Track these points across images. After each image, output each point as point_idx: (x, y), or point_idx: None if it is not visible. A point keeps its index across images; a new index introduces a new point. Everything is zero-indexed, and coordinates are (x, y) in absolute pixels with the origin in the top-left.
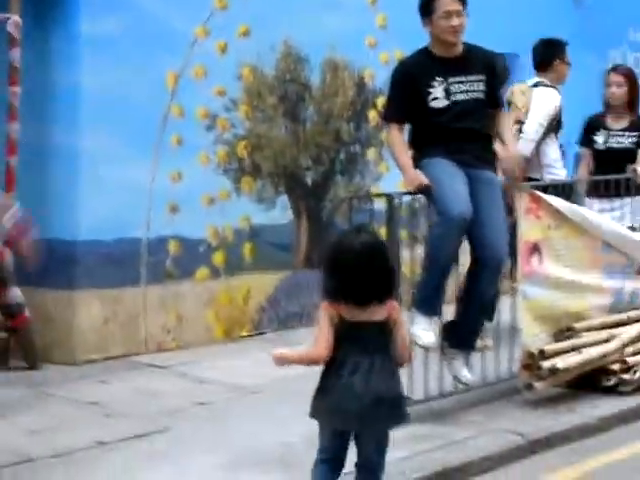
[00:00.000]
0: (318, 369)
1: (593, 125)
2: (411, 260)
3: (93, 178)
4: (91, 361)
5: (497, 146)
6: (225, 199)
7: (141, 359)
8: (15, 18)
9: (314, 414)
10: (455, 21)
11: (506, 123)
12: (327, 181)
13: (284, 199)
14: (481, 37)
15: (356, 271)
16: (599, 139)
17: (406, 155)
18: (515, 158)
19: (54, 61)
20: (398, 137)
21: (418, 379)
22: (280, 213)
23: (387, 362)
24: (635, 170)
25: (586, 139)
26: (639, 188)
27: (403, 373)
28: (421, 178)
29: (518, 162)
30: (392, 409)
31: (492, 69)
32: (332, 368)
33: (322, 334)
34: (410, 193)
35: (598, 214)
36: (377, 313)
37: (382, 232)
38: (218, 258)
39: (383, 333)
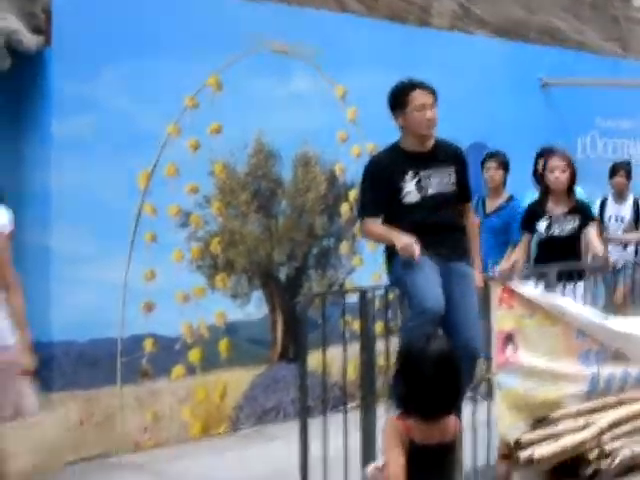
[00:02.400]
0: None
1: (534, 212)
2: (386, 352)
3: (65, 278)
4: (67, 463)
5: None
6: (200, 296)
7: (117, 459)
8: None
9: None
10: (429, 114)
11: (475, 224)
12: (301, 275)
13: (259, 294)
14: (448, 127)
15: (432, 381)
16: (541, 226)
17: (389, 230)
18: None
19: (25, 162)
20: (375, 226)
21: None
22: (255, 308)
23: None
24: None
25: (528, 225)
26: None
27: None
28: (413, 241)
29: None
30: None
31: (461, 162)
32: None
33: (394, 459)
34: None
35: (572, 301)
36: (447, 432)
37: (356, 325)
38: (194, 355)
39: (448, 454)
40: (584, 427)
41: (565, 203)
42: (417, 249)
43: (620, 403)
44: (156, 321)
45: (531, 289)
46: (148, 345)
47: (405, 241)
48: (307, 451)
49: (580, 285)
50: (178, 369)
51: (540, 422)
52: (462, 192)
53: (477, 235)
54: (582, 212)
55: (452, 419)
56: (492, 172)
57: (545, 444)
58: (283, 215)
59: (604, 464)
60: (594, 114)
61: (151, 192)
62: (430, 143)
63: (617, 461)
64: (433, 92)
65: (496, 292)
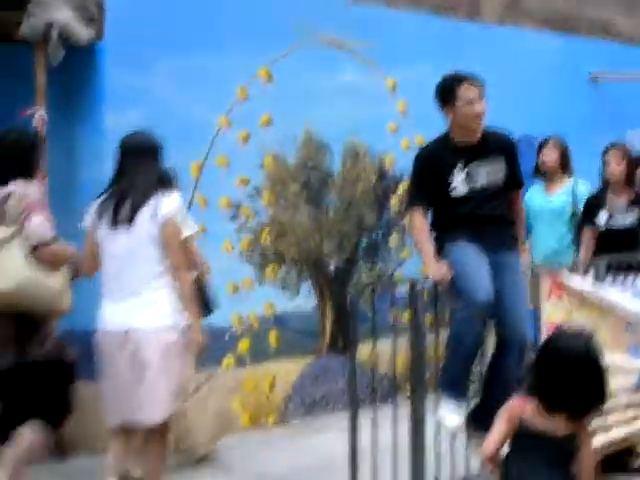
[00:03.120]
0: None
1: (594, 204)
2: (435, 344)
3: None
4: None
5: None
6: (249, 287)
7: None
8: (41, 113)
9: None
10: (477, 107)
11: (521, 211)
12: (350, 267)
13: (308, 285)
14: (497, 120)
15: (577, 377)
16: (601, 219)
17: (429, 243)
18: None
19: (78, 154)
20: (421, 223)
21: (445, 463)
22: (304, 299)
23: None
24: None
25: (588, 219)
26: None
27: (429, 455)
28: (445, 271)
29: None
30: None
31: (510, 151)
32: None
33: (494, 432)
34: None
35: (619, 293)
36: (563, 428)
37: (405, 317)
38: (243, 346)
39: (564, 450)
40: (634, 419)
41: (625, 195)
42: (447, 274)
43: None
44: None
45: (580, 281)
46: None
47: (435, 268)
48: (356, 442)
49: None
50: (228, 359)
51: None
52: (512, 180)
53: (524, 222)
54: None
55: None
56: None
57: (595, 436)
58: (333, 206)
59: None
60: None
61: (202, 184)
62: (479, 135)
63: None
64: (481, 85)
65: (545, 284)
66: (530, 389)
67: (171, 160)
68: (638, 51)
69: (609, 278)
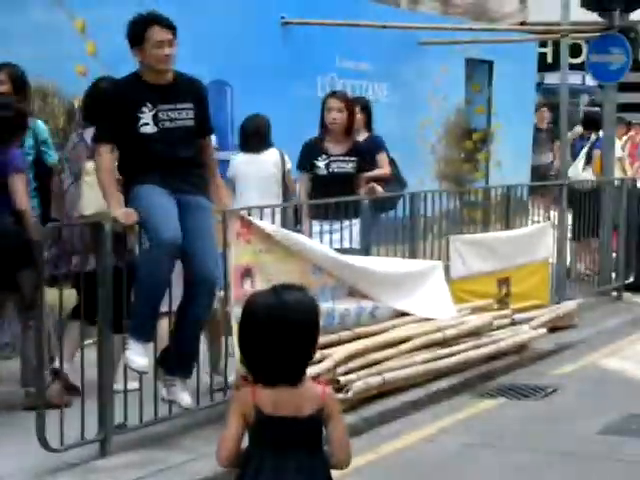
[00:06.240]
0: None
1: (313, 150)
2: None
3: None
4: None
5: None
6: None
7: None
8: None
9: None
10: (167, 50)
11: (214, 157)
12: None
13: None
14: (189, 64)
15: (265, 339)
16: (320, 164)
17: (114, 186)
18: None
19: None
20: (108, 163)
21: (133, 405)
22: None
23: (313, 464)
24: (374, 188)
25: (306, 164)
26: (358, 212)
27: (117, 399)
28: (132, 215)
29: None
30: None
31: (201, 98)
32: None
33: (227, 428)
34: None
35: (308, 237)
36: (305, 403)
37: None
38: None
39: (312, 430)
40: (320, 361)
41: (344, 144)
42: (134, 217)
43: (356, 337)
44: None
45: (269, 224)
46: None
47: (121, 212)
48: None
49: (348, 224)
50: None
51: None
52: (201, 127)
53: (216, 169)
54: (361, 154)
55: (315, 388)
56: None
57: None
58: None
59: (339, 396)
60: (334, 55)
61: None
62: (168, 77)
63: (351, 394)
64: (172, 27)
65: (234, 226)
66: (247, 369)
67: None
68: None
69: (316, 222)
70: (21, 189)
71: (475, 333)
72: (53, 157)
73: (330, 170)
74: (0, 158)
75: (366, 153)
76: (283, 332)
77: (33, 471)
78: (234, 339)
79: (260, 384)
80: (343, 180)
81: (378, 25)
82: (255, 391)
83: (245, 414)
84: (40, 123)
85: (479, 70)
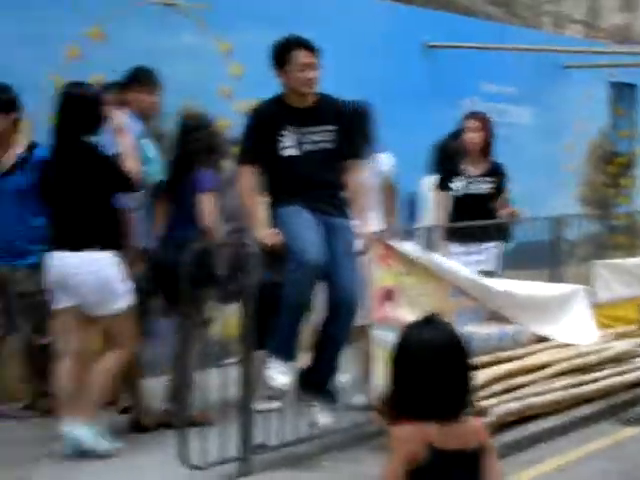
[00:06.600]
0: None
1: (451, 171)
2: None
3: None
4: None
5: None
6: None
7: None
8: None
9: None
10: (310, 74)
11: (358, 181)
12: None
13: None
14: (331, 87)
15: (437, 373)
16: (458, 185)
17: (257, 208)
18: (369, 235)
19: None
20: (249, 183)
21: (273, 425)
22: None
23: None
24: (514, 212)
25: (444, 184)
26: (497, 234)
27: (260, 418)
28: (276, 236)
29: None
30: None
31: (344, 118)
32: None
33: (390, 472)
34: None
35: (449, 260)
36: (469, 437)
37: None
38: None
39: (472, 464)
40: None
41: (482, 164)
42: (278, 240)
43: (497, 362)
44: None
45: (409, 246)
46: None
47: (264, 235)
48: None
49: (487, 247)
50: None
51: None
52: (344, 149)
53: (361, 192)
54: (499, 174)
55: (473, 421)
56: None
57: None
58: None
59: None
60: (478, 78)
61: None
62: (311, 100)
63: (492, 418)
64: (316, 51)
65: (376, 249)
66: (400, 406)
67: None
68: (473, 22)
69: (454, 245)
70: (207, 208)
71: (617, 360)
72: None
73: (467, 191)
74: (193, 177)
75: (504, 174)
76: (455, 364)
77: None
78: (375, 360)
79: (423, 419)
80: (480, 201)
81: (522, 48)
82: (423, 427)
83: (411, 452)
84: None
85: (623, 93)
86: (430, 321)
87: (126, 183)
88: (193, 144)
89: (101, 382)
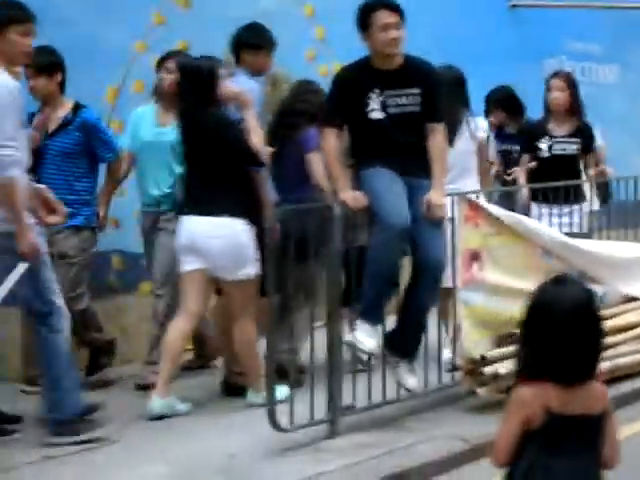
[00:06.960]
0: None
1: (536, 132)
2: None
3: None
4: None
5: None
6: None
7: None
8: None
9: None
10: (393, 34)
11: (440, 145)
12: None
13: None
14: (414, 47)
15: (569, 336)
16: (543, 146)
17: (340, 168)
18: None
19: None
20: (332, 145)
21: (361, 387)
22: None
23: (596, 464)
24: (604, 170)
25: (529, 146)
26: (583, 195)
27: (346, 380)
28: (360, 199)
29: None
30: None
31: (430, 83)
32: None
33: (502, 436)
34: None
35: (536, 221)
36: (592, 401)
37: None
38: None
39: (595, 429)
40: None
41: (568, 124)
42: (363, 201)
43: None
44: (123, 237)
45: (496, 207)
46: (116, 261)
47: (350, 196)
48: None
49: (576, 208)
50: (144, 286)
51: (505, 339)
52: (428, 112)
53: (441, 156)
54: (584, 135)
55: (598, 386)
56: None
57: (510, 361)
58: None
59: None
60: (563, 37)
61: (118, 109)
62: (397, 62)
63: None
64: (399, 11)
65: (462, 210)
66: (526, 369)
67: (85, 85)
68: None
69: (543, 206)
70: (318, 166)
71: None
72: None
73: (553, 152)
74: (301, 137)
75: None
76: (590, 326)
77: (263, 449)
78: (462, 321)
79: (548, 382)
80: (567, 162)
81: (607, 6)
82: (544, 391)
83: (528, 414)
84: None
85: None
86: (563, 281)
87: (253, 158)
88: (306, 104)
89: (251, 354)
